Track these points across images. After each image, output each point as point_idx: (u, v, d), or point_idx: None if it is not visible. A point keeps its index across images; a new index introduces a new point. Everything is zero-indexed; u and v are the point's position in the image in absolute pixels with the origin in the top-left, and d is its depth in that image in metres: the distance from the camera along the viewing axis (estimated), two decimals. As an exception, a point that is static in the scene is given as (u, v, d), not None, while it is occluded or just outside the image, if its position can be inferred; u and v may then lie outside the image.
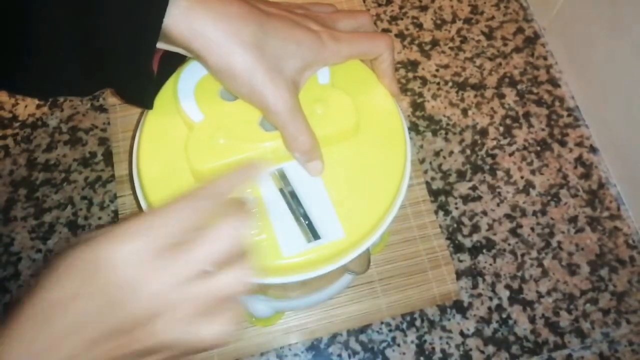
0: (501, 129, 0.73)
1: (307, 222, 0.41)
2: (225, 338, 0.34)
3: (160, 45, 0.41)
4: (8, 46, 0.41)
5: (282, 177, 0.44)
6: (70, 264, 0.32)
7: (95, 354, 0.32)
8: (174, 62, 0.46)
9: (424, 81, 0.76)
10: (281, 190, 0.43)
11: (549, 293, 0.65)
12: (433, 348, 0.62)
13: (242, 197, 0.37)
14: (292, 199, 0.43)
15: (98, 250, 0.32)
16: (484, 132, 0.73)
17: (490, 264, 0.66)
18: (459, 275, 0.65)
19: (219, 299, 0.33)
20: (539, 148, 0.72)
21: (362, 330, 0.62)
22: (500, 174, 0.71)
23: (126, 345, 0.32)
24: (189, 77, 0.45)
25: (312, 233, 0.41)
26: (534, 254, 0.66)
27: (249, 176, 0.38)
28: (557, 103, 0.75)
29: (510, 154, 0.72)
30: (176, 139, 0.44)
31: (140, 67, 0.41)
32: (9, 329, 0.32)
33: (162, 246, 0.32)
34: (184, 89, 0.45)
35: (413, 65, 0.77)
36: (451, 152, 0.72)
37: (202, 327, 0.33)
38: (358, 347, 0.62)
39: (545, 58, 0.78)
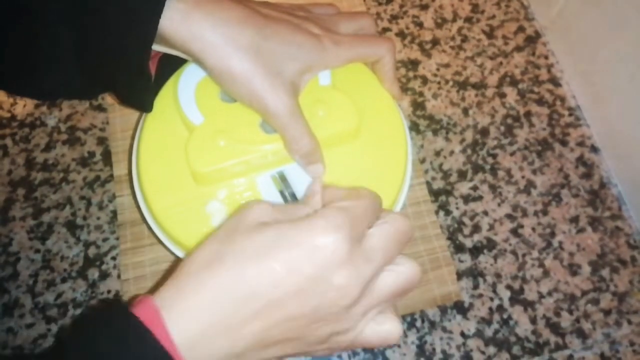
0: (502, 128, 0.73)
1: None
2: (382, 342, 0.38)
3: (160, 48, 0.40)
4: (7, 48, 0.41)
5: (283, 179, 0.43)
6: (280, 239, 0.34)
7: (290, 341, 0.34)
8: (172, 65, 0.45)
9: (425, 80, 0.75)
10: (282, 193, 0.43)
11: (550, 293, 0.64)
12: (434, 349, 0.62)
13: None
14: (293, 202, 0.42)
15: (311, 233, 0.34)
16: (484, 132, 0.73)
17: (491, 264, 0.66)
18: (459, 275, 0.65)
19: (390, 297, 0.38)
20: (540, 148, 0.72)
21: (363, 331, 0.62)
22: (501, 173, 0.70)
23: (315, 334, 0.34)
24: (189, 78, 0.45)
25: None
26: (535, 254, 0.66)
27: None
28: (558, 102, 0.75)
29: (511, 154, 0.71)
30: (176, 141, 0.44)
31: (137, 70, 0.41)
32: (195, 291, 0.33)
33: (356, 239, 0.35)
34: (184, 91, 0.45)
35: (413, 64, 0.76)
36: (452, 152, 0.71)
37: (371, 326, 0.37)
38: (358, 348, 0.62)
39: (546, 57, 0.78)
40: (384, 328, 0.38)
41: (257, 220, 0.35)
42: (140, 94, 0.44)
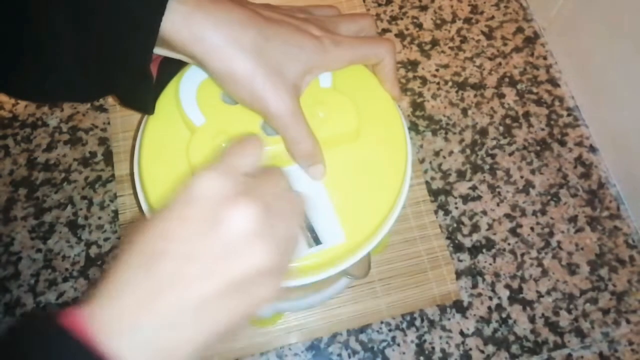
0: (501, 128, 0.73)
1: (308, 227, 0.42)
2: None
3: (161, 51, 0.41)
4: (8, 51, 0.41)
5: (284, 180, 0.44)
6: (167, 206, 0.34)
7: (210, 282, 0.32)
8: (173, 67, 0.46)
9: (424, 81, 0.76)
10: (282, 194, 0.43)
11: (548, 293, 0.65)
12: (433, 348, 0.62)
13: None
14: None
15: (191, 187, 0.33)
16: (483, 132, 0.73)
17: (490, 264, 0.66)
18: (458, 274, 0.65)
19: (293, 219, 0.36)
20: (538, 148, 0.72)
21: (362, 330, 0.63)
22: (500, 173, 0.71)
23: (230, 271, 0.32)
24: (191, 80, 0.45)
25: (314, 238, 0.41)
26: (534, 253, 0.67)
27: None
28: (556, 103, 0.75)
29: (510, 154, 0.72)
30: (178, 142, 0.44)
31: (139, 72, 0.41)
32: (111, 280, 0.32)
33: (242, 178, 0.34)
34: (186, 92, 0.45)
35: (413, 65, 0.77)
36: (451, 152, 0.72)
37: (286, 246, 0.35)
38: (358, 347, 0.62)
39: (545, 58, 0.78)
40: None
41: None
42: (142, 96, 0.44)
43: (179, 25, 0.39)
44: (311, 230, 0.41)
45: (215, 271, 0.32)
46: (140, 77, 0.41)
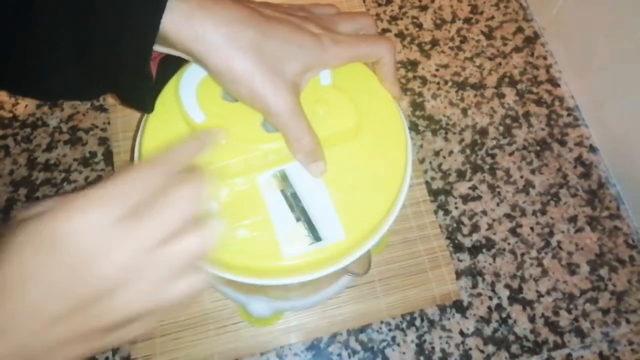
0: (501, 128, 0.73)
1: (308, 224, 0.42)
2: (189, 298, 0.34)
3: (161, 49, 0.41)
4: (9, 49, 0.41)
5: (284, 178, 0.44)
6: (27, 239, 0.31)
7: (59, 331, 0.31)
8: (173, 65, 0.46)
9: (424, 81, 0.76)
10: (282, 192, 0.43)
11: (548, 292, 0.65)
12: (433, 347, 0.62)
13: (196, 165, 0.36)
14: (294, 201, 0.43)
15: (56, 223, 0.31)
16: (483, 132, 0.73)
17: (490, 264, 0.66)
18: (458, 274, 0.65)
19: (182, 263, 0.33)
20: (538, 148, 0.72)
21: (362, 329, 0.63)
22: (500, 173, 0.71)
23: (92, 320, 0.32)
24: (191, 77, 0.45)
25: (314, 235, 0.41)
26: (534, 253, 0.67)
27: (201, 145, 0.37)
28: (556, 103, 0.75)
29: (510, 154, 0.72)
30: (178, 139, 0.44)
31: (138, 70, 0.41)
32: None
33: (122, 215, 0.31)
34: (186, 90, 0.45)
35: (413, 65, 0.77)
36: (451, 152, 0.72)
37: (167, 291, 0.33)
38: (358, 347, 0.62)
39: (545, 58, 0.78)
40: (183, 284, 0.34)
41: None
42: (141, 94, 0.44)
43: (179, 24, 0.38)
44: (311, 227, 0.41)
45: (70, 318, 0.31)
46: (140, 76, 0.41)
